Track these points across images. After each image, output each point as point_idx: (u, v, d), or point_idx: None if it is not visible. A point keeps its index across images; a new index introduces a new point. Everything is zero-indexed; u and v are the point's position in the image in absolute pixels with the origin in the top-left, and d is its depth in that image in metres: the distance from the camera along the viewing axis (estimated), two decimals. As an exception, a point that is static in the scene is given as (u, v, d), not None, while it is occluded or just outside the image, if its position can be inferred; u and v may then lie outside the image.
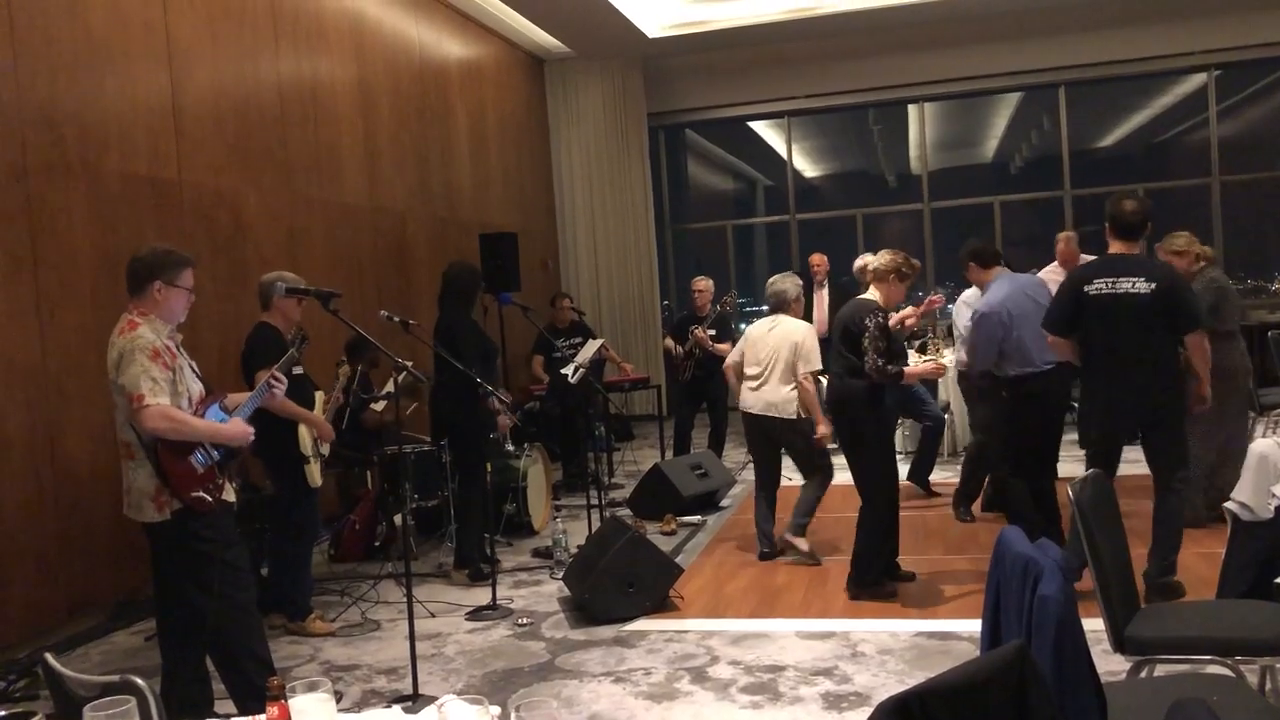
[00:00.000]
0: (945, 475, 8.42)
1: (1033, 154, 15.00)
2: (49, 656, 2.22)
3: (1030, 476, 5.64)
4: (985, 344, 5.75)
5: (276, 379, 4.12)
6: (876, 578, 5.46)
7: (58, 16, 5.60)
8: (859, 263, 7.59)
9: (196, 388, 3.89)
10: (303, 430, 5.24)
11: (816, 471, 6.15)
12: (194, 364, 3.97)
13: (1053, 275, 7.13)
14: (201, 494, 3.78)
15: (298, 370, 4.98)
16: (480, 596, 5.71)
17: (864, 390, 5.30)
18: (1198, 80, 12.62)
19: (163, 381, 3.68)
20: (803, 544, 6.09)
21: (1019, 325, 5.65)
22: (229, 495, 3.96)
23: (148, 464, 3.73)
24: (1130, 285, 4.85)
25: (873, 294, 5.48)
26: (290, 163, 7.54)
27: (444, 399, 6.19)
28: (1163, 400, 4.89)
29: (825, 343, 6.02)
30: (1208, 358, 5.01)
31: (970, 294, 6.72)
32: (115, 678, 2.06)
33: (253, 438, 3.99)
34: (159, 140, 6.29)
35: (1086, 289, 4.94)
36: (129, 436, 3.76)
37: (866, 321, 5.23)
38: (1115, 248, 5.05)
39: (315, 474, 5.35)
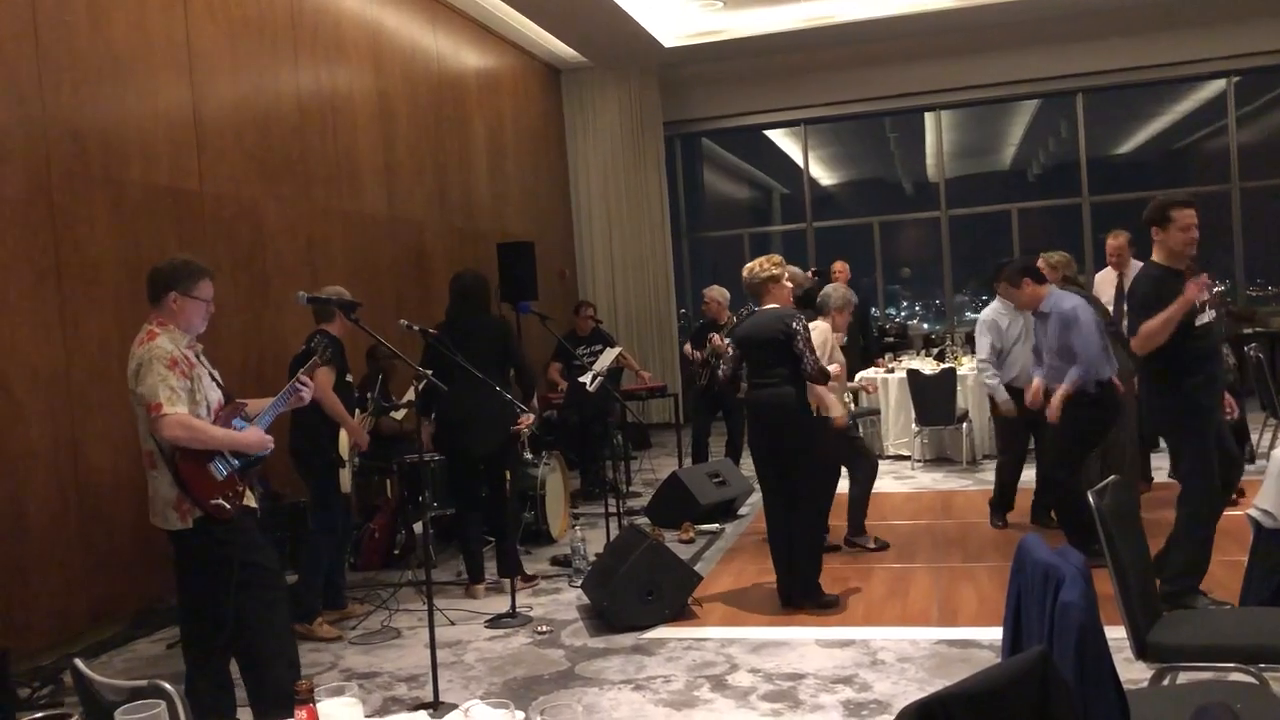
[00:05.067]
0: (964, 484, 8.41)
1: (1050, 161, 14.98)
2: (78, 662, 2.25)
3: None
4: (1100, 347, 5.83)
5: (303, 381, 4.12)
6: (819, 588, 5.50)
7: (81, 31, 5.67)
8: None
9: (215, 396, 3.90)
10: (343, 435, 5.38)
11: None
12: (215, 372, 3.99)
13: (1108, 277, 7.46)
14: (221, 501, 3.78)
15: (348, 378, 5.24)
16: (499, 604, 5.72)
17: (796, 397, 5.41)
18: (1216, 86, 12.58)
19: (180, 390, 3.70)
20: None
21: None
22: (250, 501, 3.98)
23: (168, 472, 3.75)
24: None
25: (774, 305, 5.56)
26: (309, 173, 7.59)
27: (495, 404, 5.72)
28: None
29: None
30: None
31: (993, 309, 6.92)
32: (144, 683, 2.08)
33: (271, 447, 3.99)
34: (180, 151, 6.34)
35: None
36: (151, 445, 3.78)
37: (795, 325, 5.34)
38: None
39: (346, 480, 5.49)
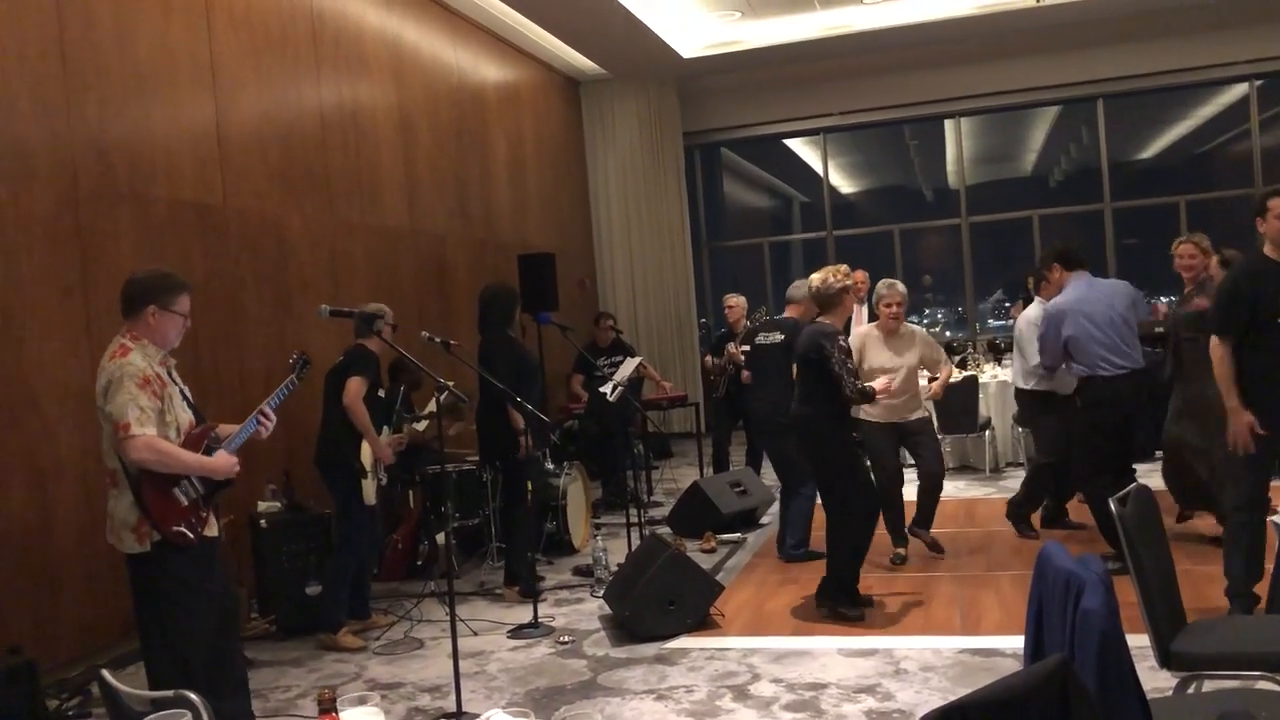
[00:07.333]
0: (987, 492, 8.37)
1: (1072, 167, 14.90)
2: (105, 673, 2.27)
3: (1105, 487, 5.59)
4: (1049, 341, 5.92)
5: (265, 414, 3.98)
6: (843, 599, 5.43)
7: (107, 48, 5.74)
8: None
9: (186, 417, 3.79)
10: (365, 446, 5.45)
11: None
12: (187, 390, 3.89)
13: None
14: (183, 529, 3.67)
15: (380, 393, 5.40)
16: (522, 615, 5.74)
17: (826, 414, 5.35)
18: (1239, 90, 12.49)
19: (150, 410, 3.60)
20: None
21: (1081, 326, 5.73)
22: (212, 530, 3.85)
23: (130, 493, 3.64)
24: None
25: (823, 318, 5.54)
26: (332, 187, 7.65)
27: (489, 418, 6.24)
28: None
29: None
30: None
31: (1034, 312, 6.71)
32: (169, 693, 2.11)
33: (238, 470, 3.86)
34: (205, 167, 6.41)
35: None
36: (114, 464, 3.66)
37: (827, 347, 5.26)
38: None
39: (370, 491, 5.55)
